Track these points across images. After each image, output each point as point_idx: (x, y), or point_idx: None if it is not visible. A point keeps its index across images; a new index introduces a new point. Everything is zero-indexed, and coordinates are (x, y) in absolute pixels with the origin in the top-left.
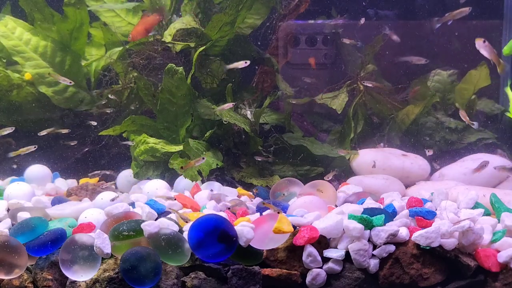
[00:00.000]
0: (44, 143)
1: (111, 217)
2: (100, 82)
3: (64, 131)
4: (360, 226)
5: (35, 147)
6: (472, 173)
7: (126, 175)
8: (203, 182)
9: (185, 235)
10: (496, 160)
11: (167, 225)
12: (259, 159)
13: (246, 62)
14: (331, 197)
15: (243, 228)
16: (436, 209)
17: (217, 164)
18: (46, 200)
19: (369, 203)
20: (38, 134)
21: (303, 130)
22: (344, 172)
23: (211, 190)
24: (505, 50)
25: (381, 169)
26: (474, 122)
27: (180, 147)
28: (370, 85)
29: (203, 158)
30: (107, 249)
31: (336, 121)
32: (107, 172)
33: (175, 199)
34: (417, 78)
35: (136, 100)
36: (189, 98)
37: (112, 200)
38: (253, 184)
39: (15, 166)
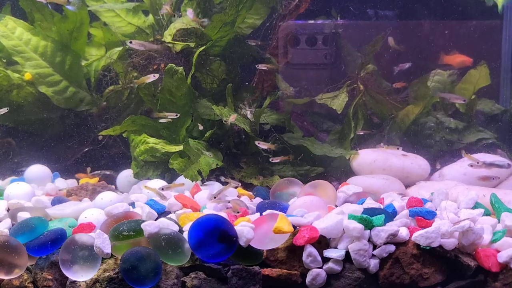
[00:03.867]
0: (44, 143)
1: (111, 217)
2: (100, 82)
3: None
4: (360, 226)
5: (176, 115)
6: (476, 167)
7: (126, 175)
8: (203, 182)
9: (185, 235)
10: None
11: (167, 225)
12: (264, 151)
13: None
14: (331, 197)
15: (243, 228)
16: (436, 209)
17: (217, 164)
18: (46, 200)
19: (369, 203)
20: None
21: (303, 130)
22: (344, 172)
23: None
24: None
25: (381, 169)
26: None
27: (180, 147)
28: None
29: None
30: (107, 249)
31: (336, 121)
32: (107, 172)
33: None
34: (417, 78)
35: (135, 100)
36: (189, 98)
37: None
38: (253, 184)
39: (18, 170)
